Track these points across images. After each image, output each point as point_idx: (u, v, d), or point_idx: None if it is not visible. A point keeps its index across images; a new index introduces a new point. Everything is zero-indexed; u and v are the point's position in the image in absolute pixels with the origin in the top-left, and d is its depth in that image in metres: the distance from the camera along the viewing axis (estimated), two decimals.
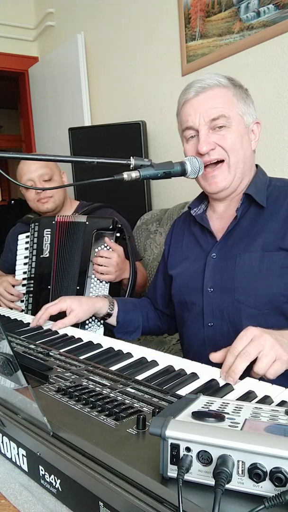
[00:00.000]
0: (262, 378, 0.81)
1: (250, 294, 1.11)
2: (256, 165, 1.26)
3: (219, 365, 0.85)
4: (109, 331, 1.42)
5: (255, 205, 1.17)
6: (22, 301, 1.80)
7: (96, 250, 1.64)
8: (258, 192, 1.17)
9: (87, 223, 1.69)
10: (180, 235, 1.38)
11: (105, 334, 1.43)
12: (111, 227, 1.65)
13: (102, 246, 1.64)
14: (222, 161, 1.16)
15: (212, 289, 1.18)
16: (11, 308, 1.73)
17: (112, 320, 1.37)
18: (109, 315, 1.34)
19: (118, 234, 1.66)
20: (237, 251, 1.15)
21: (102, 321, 1.46)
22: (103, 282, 1.62)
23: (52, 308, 1.25)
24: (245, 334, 0.84)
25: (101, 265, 1.58)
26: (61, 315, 1.27)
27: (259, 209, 1.17)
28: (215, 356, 0.89)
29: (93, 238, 1.66)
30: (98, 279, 1.62)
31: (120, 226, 1.67)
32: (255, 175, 1.22)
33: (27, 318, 1.41)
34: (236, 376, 0.80)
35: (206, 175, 1.17)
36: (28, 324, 1.30)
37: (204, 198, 1.32)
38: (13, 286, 1.81)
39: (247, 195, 1.17)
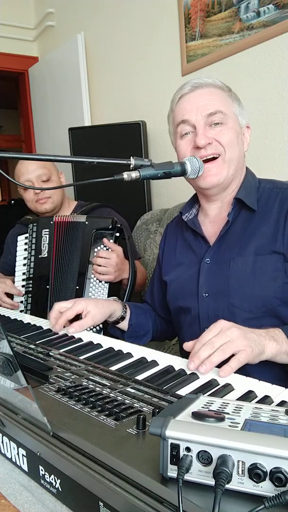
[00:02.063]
0: (261, 379, 0.81)
1: (244, 298, 1.11)
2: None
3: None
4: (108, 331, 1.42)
5: (246, 208, 1.17)
6: (21, 302, 1.80)
7: (96, 250, 1.63)
8: (248, 196, 1.17)
9: (86, 223, 1.68)
10: (173, 240, 1.37)
11: (103, 334, 1.43)
12: (110, 227, 1.65)
13: (102, 246, 1.64)
14: (217, 157, 1.15)
15: (207, 294, 1.18)
16: (12, 309, 1.73)
17: (124, 324, 1.34)
18: (122, 318, 1.32)
19: (117, 234, 1.66)
20: (230, 256, 1.15)
21: (101, 328, 1.46)
22: (103, 282, 1.62)
23: (68, 312, 1.19)
24: (214, 326, 0.90)
25: (101, 265, 1.58)
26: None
27: (250, 213, 1.17)
28: (188, 345, 0.93)
29: (92, 238, 1.65)
30: (97, 279, 1.62)
31: (119, 226, 1.66)
32: (244, 177, 1.22)
33: (27, 318, 1.41)
34: (197, 361, 0.85)
35: None
36: (28, 324, 1.29)
37: (195, 201, 1.32)
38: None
39: (237, 199, 1.17)
